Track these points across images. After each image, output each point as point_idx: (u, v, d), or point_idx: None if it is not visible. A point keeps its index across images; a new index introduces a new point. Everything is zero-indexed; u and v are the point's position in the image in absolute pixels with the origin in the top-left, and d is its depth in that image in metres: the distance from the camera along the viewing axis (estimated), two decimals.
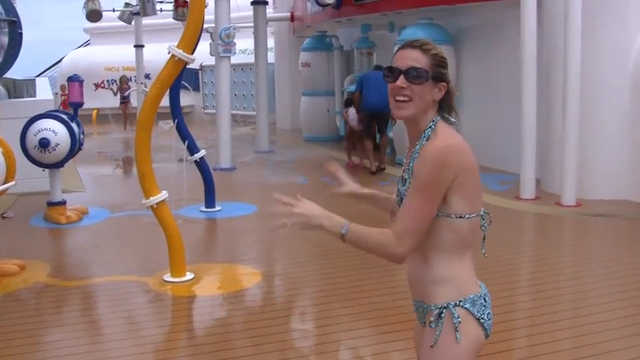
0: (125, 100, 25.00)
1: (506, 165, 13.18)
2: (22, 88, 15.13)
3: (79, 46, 35.56)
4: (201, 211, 11.05)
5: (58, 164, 10.51)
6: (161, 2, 23.80)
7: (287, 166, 15.86)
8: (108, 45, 31.43)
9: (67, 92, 21.78)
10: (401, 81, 2.83)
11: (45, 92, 14.96)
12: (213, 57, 16.54)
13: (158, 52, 22.44)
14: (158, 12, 22.39)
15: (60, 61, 33.94)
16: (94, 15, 24.08)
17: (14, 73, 15.44)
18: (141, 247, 9.26)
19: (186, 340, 6.39)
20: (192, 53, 7.42)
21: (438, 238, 2.80)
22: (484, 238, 2.97)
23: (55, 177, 10.65)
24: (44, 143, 10.06)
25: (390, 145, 15.36)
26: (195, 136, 11.16)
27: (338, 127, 19.73)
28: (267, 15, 19.65)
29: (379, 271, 7.53)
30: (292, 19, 22.60)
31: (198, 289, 7.45)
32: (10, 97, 14.49)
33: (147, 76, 25.47)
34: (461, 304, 2.81)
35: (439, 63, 2.85)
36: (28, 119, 10.32)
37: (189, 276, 7.58)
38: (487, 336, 2.88)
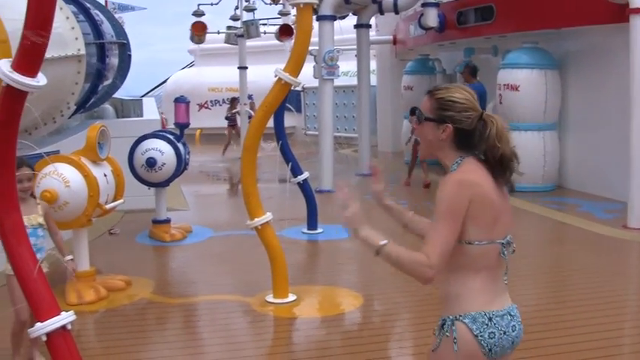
0: (233, 123, 24.87)
1: (613, 192, 12.79)
2: (129, 108, 15.50)
3: (184, 67, 36.25)
4: (303, 232, 11.10)
5: (164, 183, 10.73)
6: (264, 24, 24.10)
7: (388, 189, 15.69)
8: (212, 66, 31.88)
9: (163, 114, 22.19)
10: (410, 118, 3.23)
11: (151, 112, 15.28)
12: (316, 79, 16.65)
13: (261, 73, 22.75)
14: (262, 34, 22.66)
15: (165, 81, 34.65)
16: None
17: (121, 93, 15.91)
18: (243, 267, 9.34)
19: None
20: (297, 76, 7.48)
21: (451, 260, 3.01)
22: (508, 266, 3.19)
23: (161, 195, 10.88)
24: (151, 162, 10.28)
25: None
26: (296, 157, 11.24)
27: None
28: (370, 38, 19.65)
29: None
30: (395, 42, 22.58)
31: (299, 310, 7.47)
32: (117, 117, 14.88)
33: (250, 97, 25.69)
34: (460, 318, 3.07)
35: (441, 106, 3.11)
36: (135, 138, 10.59)
37: (291, 297, 7.61)
38: (486, 354, 3.04)
